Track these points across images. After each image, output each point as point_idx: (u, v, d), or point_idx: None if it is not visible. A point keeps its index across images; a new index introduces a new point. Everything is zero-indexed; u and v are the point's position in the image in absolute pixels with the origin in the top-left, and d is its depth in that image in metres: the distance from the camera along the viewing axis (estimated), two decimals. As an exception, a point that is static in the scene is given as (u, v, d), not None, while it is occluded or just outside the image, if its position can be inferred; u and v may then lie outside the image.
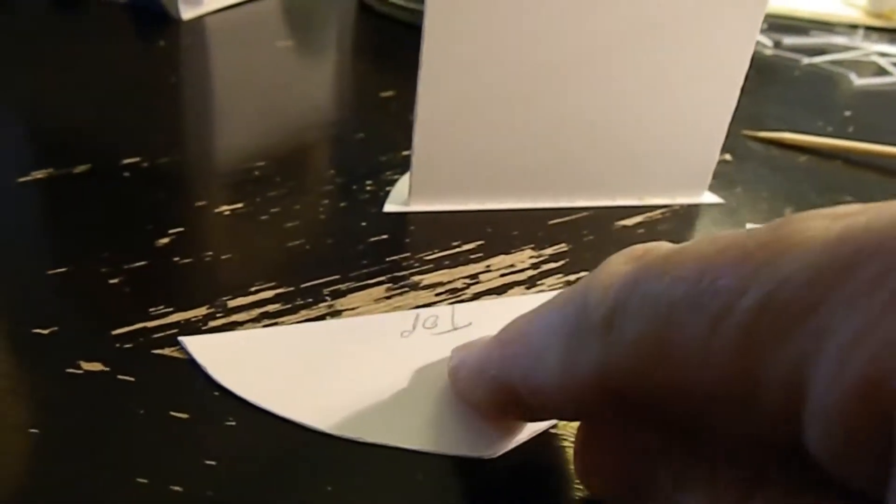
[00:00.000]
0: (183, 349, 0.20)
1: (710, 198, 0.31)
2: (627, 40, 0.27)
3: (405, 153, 0.32)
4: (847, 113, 0.42)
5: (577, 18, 0.26)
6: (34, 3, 0.46)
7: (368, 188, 0.29)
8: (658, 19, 0.26)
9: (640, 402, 0.13)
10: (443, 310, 0.23)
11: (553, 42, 0.26)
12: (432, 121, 0.27)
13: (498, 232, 0.28)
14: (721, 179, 0.33)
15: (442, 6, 0.25)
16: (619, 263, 0.14)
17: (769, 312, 0.11)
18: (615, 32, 0.26)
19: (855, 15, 0.58)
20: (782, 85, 0.45)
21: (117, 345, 0.20)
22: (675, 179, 0.30)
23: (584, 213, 0.29)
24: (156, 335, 0.21)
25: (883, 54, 0.51)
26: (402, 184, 0.29)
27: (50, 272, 0.23)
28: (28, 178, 0.28)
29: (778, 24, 0.55)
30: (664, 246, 0.14)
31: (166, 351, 0.20)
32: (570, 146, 0.29)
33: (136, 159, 0.29)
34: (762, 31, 0.53)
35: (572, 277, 0.26)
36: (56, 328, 0.21)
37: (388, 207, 0.28)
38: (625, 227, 0.29)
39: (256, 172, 0.30)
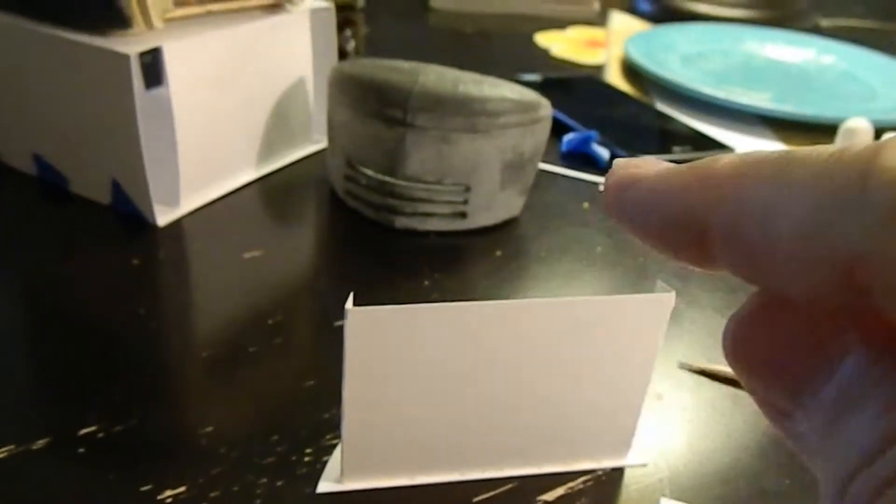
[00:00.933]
0: None
1: (634, 458, 0.33)
2: (545, 332, 0.29)
3: (348, 407, 0.34)
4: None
5: (493, 325, 0.28)
6: (23, 193, 0.49)
7: (307, 458, 0.31)
8: (571, 318, 0.29)
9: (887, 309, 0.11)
10: None
11: (470, 345, 0.28)
12: (359, 414, 0.29)
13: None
14: (650, 425, 0.35)
15: (361, 324, 0.27)
16: None
17: None
18: (533, 327, 0.29)
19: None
20: (729, 288, 0.47)
21: None
22: (598, 445, 0.32)
23: (509, 486, 0.31)
24: None
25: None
26: (336, 458, 0.31)
27: (-5, 590, 0.25)
28: (-10, 458, 0.30)
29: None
30: None
31: None
32: (493, 423, 0.30)
33: (94, 428, 0.32)
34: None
35: (485, 578, 0.27)
36: None
37: (322, 487, 0.30)
38: (545, 503, 0.31)
39: (203, 441, 0.32)
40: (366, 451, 0.30)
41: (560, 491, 0.31)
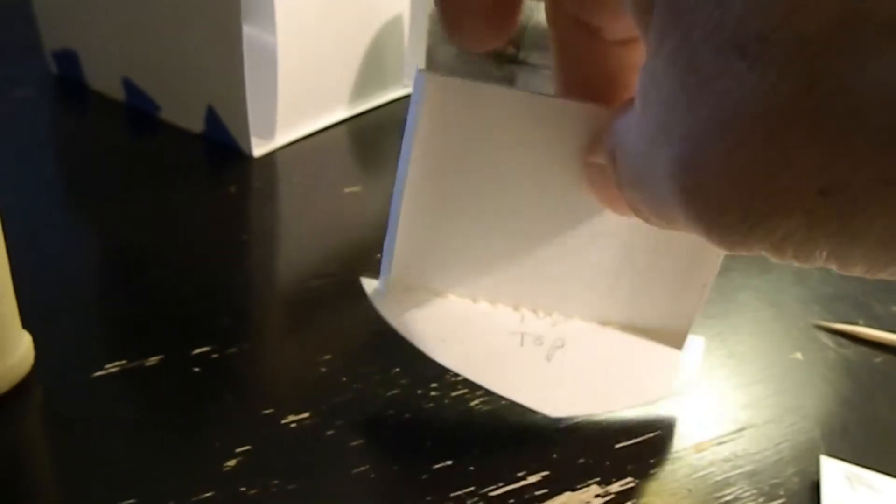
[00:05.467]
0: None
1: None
2: None
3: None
4: (925, 293, 0.40)
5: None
6: (111, 119, 0.47)
7: (433, 393, 0.29)
8: None
9: None
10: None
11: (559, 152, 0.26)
12: (418, 218, 0.26)
13: (563, 458, 0.27)
14: (789, 384, 0.32)
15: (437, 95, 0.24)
16: None
17: None
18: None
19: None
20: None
21: None
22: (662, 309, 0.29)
23: (650, 434, 0.29)
24: None
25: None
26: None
27: (119, 504, 0.23)
28: (102, 371, 0.28)
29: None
30: None
31: None
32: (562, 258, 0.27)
33: (207, 349, 0.30)
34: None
35: (639, 527, 0.25)
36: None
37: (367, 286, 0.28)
38: (685, 453, 0.28)
39: (323, 368, 0.30)
40: (417, 256, 0.27)
41: (709, 445, 0.29)
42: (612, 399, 0.29)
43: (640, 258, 0.28)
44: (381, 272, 0.28)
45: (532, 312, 0.29)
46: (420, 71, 0.23)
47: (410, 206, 0.25)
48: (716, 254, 0.27)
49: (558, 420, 0.29)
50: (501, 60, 0.44)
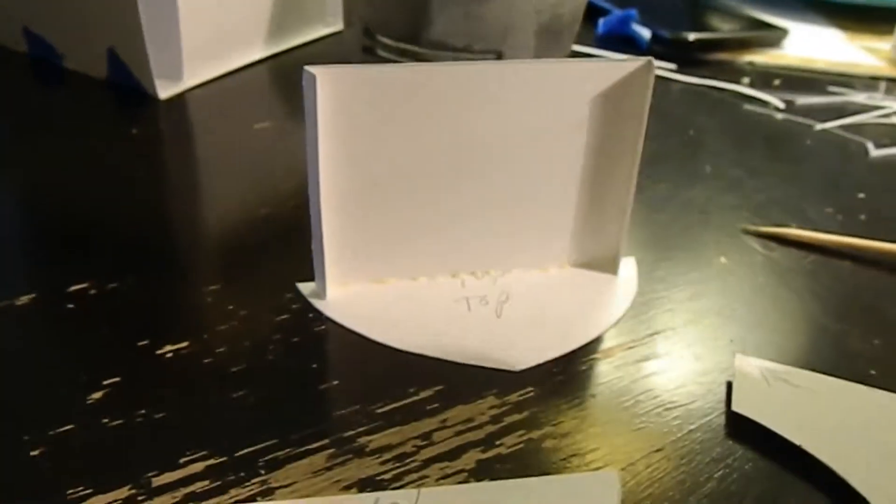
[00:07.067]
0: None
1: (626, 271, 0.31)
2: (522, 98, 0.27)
3: (372, 267, 0.30)
4: (861, 195, 0.39)
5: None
6: (14, 72, 0.45)
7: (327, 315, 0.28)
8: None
9: None
10: (406, 494, 0.21)
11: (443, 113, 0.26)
12: (336, 211, 0.27)
13: (460, 374, 0.26)
14: (711, 287, 0.30)
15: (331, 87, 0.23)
16: None
17: None
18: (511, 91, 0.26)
19: (877, 65, 0.55)
20: (791, 158, 0.42)
21: (21, 548, 0.19)
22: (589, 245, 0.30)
23: (558, 344, 0.27)
24: (64, 534, 0.19)
25: (905, 114, 0.47)
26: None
27: (-32, 442, 0.22)
28: (-33, 313, 0.26)
29: (792, 79, 0.52)
30: None
31: (72, 556, 0.19)
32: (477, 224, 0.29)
33: (84, 285, 0.28)
34: (774, 89, 0.50)
35: (535, 435, 0.23)
36: (-41, 525, 0.19)
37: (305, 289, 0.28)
38: (592, 360, 0.27)
39: (209, 299, 0.28)
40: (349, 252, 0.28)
41: (618, 350, 0.27)
42: (568, 338, 0.27)
43: (563, 199, 0.29)
44: (316, 274, 0.28)
45: (471, 276, 0.30)
46: (307, 69, 0.23)
47: (330, 203, 0.26)
48: (628, 179, 0.28)
49: (458, 335, 0.27)
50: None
